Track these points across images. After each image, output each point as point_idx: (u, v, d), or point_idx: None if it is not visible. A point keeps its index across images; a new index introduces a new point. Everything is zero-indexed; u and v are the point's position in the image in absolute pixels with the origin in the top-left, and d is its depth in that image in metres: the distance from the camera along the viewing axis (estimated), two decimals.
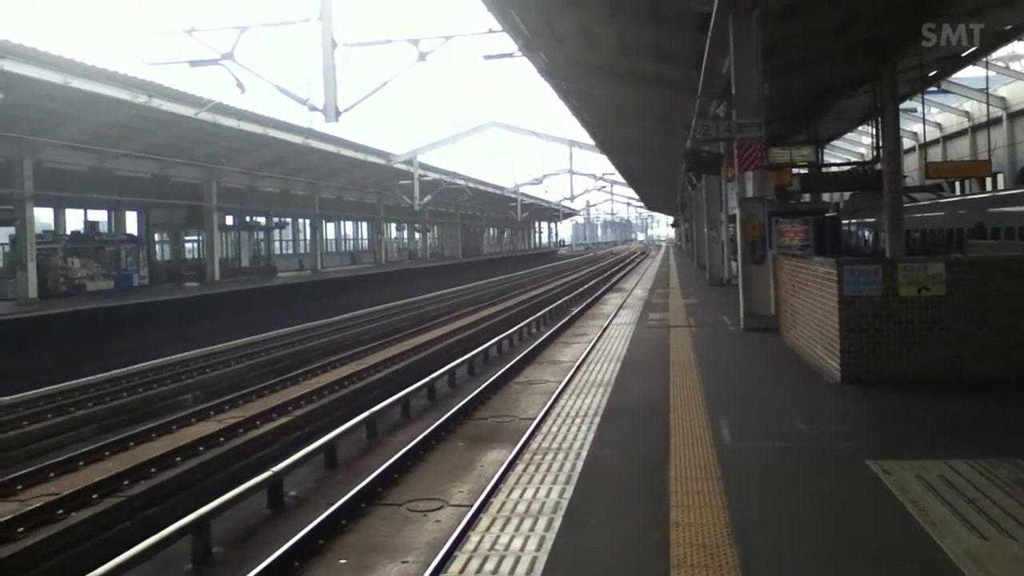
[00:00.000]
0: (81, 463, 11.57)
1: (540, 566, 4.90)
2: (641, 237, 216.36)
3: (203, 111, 29.54)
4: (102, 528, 9.57)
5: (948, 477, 6.16)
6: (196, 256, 42.64)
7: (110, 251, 34.65)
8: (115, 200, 35.88)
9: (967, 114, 34.69)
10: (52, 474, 11.09)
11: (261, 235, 47.31)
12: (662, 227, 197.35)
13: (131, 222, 38.52)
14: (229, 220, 44.16)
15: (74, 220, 35.74)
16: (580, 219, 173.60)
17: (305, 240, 55.15)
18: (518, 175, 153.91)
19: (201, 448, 12.25)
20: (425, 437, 11.46)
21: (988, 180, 31.23)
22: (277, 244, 51.22)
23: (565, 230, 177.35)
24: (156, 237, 41.02)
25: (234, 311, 31.25)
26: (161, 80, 27.78)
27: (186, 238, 42.97)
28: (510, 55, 25.25)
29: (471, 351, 19.35)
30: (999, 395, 8.96)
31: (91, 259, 33.29)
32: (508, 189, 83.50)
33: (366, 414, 12.54)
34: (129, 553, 7.27)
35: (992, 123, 29.97)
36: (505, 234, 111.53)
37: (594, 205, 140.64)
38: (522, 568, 4.87)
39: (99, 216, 37.28)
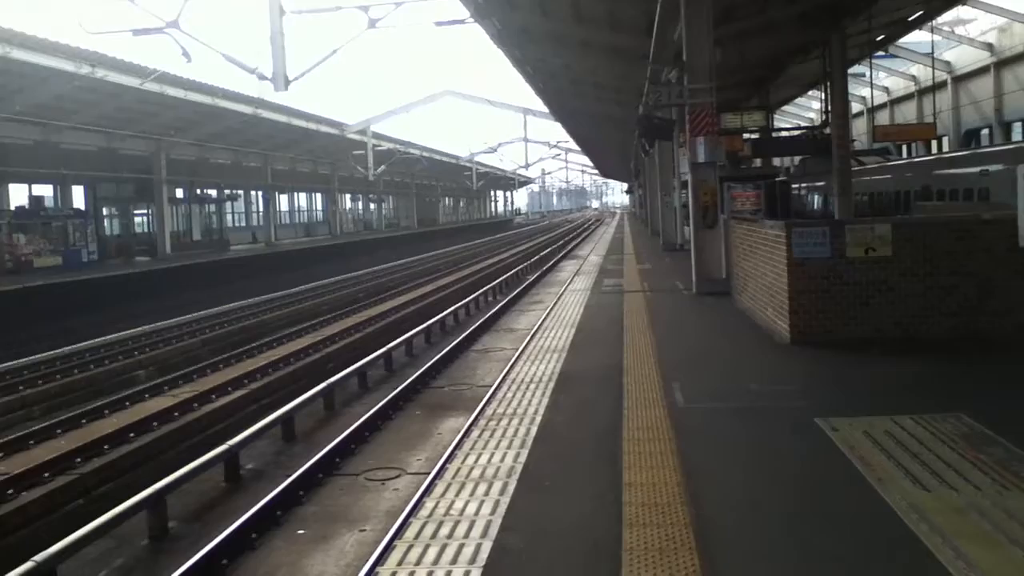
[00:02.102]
0: (32, 442, 11.39)
1: (494, 529, 4.95)
2: (596, 204, 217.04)
3: (149, 81, 28.93)
4: (55, 507, 9.46)
5: (894, 432, 6.32)
6: (146, 230, 41.88)
7: (57, 227, 33.94)
8: (61, 174, 35.08)
9: (914, 78, 35.17)
10: (1, 454, 10.91)
11: (213, 208, 46.61)
12: (617, 194, 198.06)
13: (78, 196, 37.72)
14: (179, 193, 43.42)
15: (18, 195, 34.90)
16: (535, 187, 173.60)
17: (258, 212, 54.46)
18: (473, 144, 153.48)
19: (155, 424, 12.13)
20: (383, 407, 11.45)
21: (934, 143, 31.77)
22: (229, 217, 50.50)
23: (521, 198, 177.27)
24: (104, 211, 40.19)
25: (186, 285, 30.85)
26: (104, 50, 27.19)
27: (135, 212, 42.12)
28: (462, 21, 25.03)
29: (428, 320, 19.33)
30: (944, 353, 9.20)
31: (37, 235, 32.61)
32: (463, 158, 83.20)
33: (323, 385, 12.49)
34: (84, 530, 7.20)
35: (938, 87, 30.39)
36: (461, 203, 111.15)
37: (549, 173, 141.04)
38: (476, 531, 4.92)
39: (44, 191, 36.45)
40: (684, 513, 5.01)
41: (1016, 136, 27.17)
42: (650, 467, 5.88)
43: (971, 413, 6.62)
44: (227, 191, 48.55)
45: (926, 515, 4.75)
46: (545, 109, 49.39)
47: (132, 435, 11.56)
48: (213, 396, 13.70)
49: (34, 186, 35.71)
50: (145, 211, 41.86)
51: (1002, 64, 27.61)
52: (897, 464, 5.63)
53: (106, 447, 11.02)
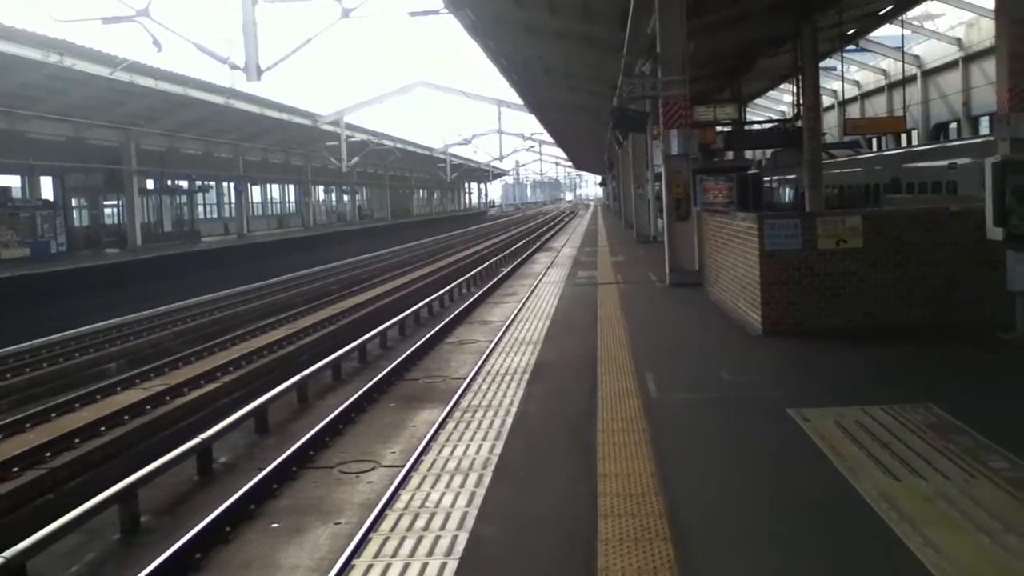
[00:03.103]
0: None
1: (470, 521, 4.96)
2: (570, 197, 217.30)
3: (118, 70, 28.55)
4: (25, 501, 9.36)
5: (864, 422, 6.40)
6: (116, 221, 41.41)
7: (25, 217, 33.47)
8: (29, 164, 34.57)
9: (884, 72, 35.48)
10: None
11: (184, 199, 46.15)
12: (590, 186, 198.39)
13: (46, 187, 37.21)
14: (150, 184, 42.94)
15: None
16: (509, 179, 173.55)
17: (230, 203, 54.00)
18: (447, 135, 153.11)
19: (127, 417, 12.01)
20: (357, 399, 11.44)
21: (904, 136, 32.10)
22: (201, 208, 50.04)
23: (495, 190, 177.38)
24: (73, 202, 39.69)
25: (157, 277, 30.56)
26: (72, 38, 26.79)
27: (105, 203, 41.65)
28: (436, 12, 24.97)
29: (402, 313, 19.29)
30: (914, 343, 9.31)
31: (5, 226, 32.14)
32: (437, 150, 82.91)
33: (296, 378, 12.44)
34: (54, 525, 7.14)
35: (907, 81, 30.70)
36: (435, 195, 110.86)
37: (523, 165, 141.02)
38: (452, 523, 4.94)
39: (12, 181, 35.94)
40: (658, 503, 5.05)
41: (983, 130, 27.50)
42: (624, 457, 5.92)
43: (939, 403, 6.72)
44: (198, 182, 48.08)
45: (896, 503, 4.82)
46: (519, 101, 49.30)
47: (103, 428, 11.44)
48: (185, 389, 13.59)
49: (1, 176, 35.17)
50: (115, 202, 41.40)
51: (970, 59, 27.92)
52: (867, 453, 5.70)
53: (77, 440, 10.90)
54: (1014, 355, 8.72)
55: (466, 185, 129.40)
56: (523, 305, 15.08)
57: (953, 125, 30.11)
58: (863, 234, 9.90)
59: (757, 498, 5.18)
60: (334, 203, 73.19)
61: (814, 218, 10.36)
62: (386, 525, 5.00)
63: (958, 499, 4.83)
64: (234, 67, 23.38)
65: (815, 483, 5.32)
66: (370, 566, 4.46)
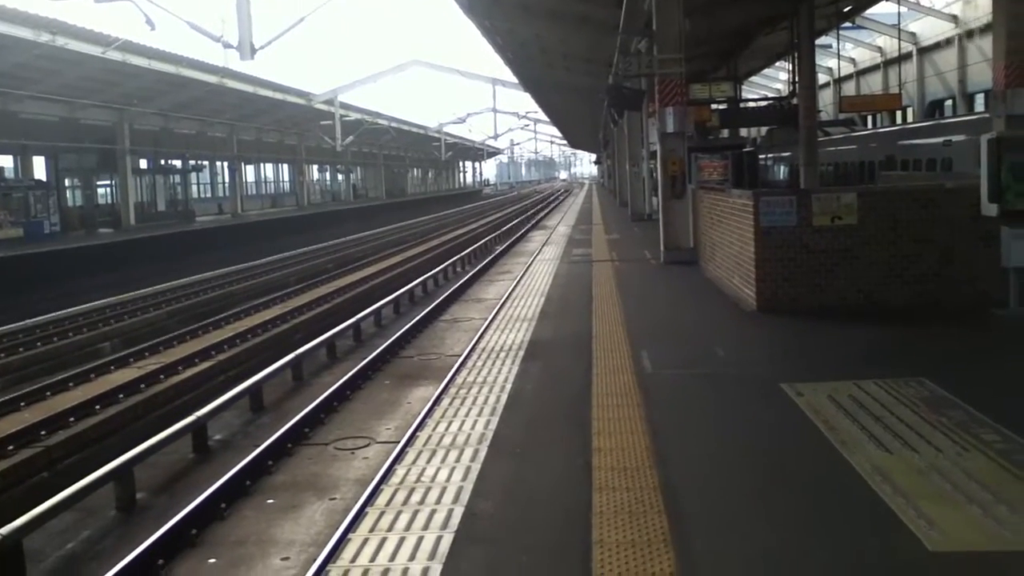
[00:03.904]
0: None
1: (466, 495, 4.98)
2: (564, 175, 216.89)
3: (111, 50, 28.39)
4: (21, 479, 9.36)
5: (857, 397, 6.42)
6: (110, 201, 41.27)
7: (18, 197, 33.38)
8: (21, 144, 34.40)
9: (880, 49, 35.36)
10: None
11: (177, 179, 45.99)
12: (585, 165, 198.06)
13: (39, 167, 37.04)
14: (143, 164, 42.77)
15: None
16: (504, 158, 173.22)
17: (224, 183, 53.82)
18: (441, 114, 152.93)
19: (121, 395, 12.00)
20: (352, 377, 11.43)
21: (899, 113, 32.04)
22: (195, 188, 49.88)
23: (489, 169, 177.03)
24: (67, 182, 39.54)
25: (151, 257, 30.48)
26: (65, 17, 26.57)
27: (98, 183, 41.51)
28: None
29: (397, 291, 19.27)
30: (907, 320, 9.35)
31: None
32: (431, 128, 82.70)
33: (291, 356, 12.42)
34: (50, 502, 7.13)
35: (903, 58, 30.61)
36: (429, 174, 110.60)
37: (518, 144, 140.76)
38: (448, 497, 4.95)
39: (5, 161, 35.80)
40: (653, 476, 5.07)
41: (979, 107, 27.44)
42: (619, 432, 5.94)
43: (933, 378, 6.74)
44: (192, 162, 47.90)
45: (889, 477, 4.84)
46: (515, 79, 49.12)
47: (98, 407, 11.44)
48: (180, 368, 13.57)
49: None
50: (108, 182, 41.25)
51: (966, 36, 27.83)
52: (861, 427, 5.73)
53: (72, 419, 10.90)
54: (1007, 331, 8.76)
55: (460, 164, 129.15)
56: (518, 283, 15.08)
57: (949, 102, 30.06)
58: (858, 211, 9.89)
59: (750, 472, 5.21)
60: (328, 182, 72.98)
61: (809, 195, 10.33)
62: (382, 499, 5.01)
63: (951, 472, 4.86)
64: (228, 46, 23.29)
65: (808, 457, 5.34)
66: (366, 540, 4.48)
